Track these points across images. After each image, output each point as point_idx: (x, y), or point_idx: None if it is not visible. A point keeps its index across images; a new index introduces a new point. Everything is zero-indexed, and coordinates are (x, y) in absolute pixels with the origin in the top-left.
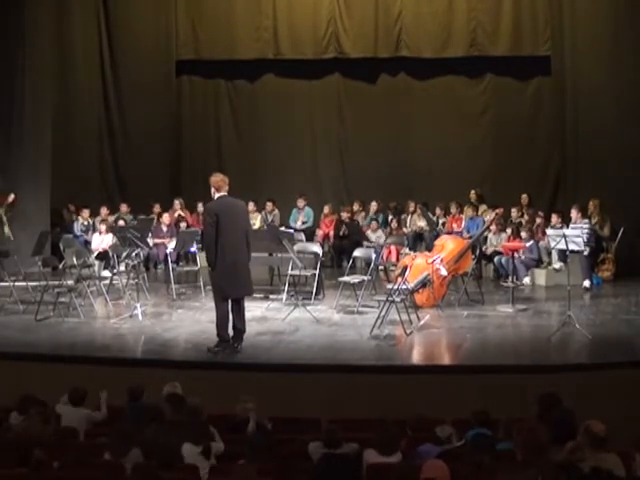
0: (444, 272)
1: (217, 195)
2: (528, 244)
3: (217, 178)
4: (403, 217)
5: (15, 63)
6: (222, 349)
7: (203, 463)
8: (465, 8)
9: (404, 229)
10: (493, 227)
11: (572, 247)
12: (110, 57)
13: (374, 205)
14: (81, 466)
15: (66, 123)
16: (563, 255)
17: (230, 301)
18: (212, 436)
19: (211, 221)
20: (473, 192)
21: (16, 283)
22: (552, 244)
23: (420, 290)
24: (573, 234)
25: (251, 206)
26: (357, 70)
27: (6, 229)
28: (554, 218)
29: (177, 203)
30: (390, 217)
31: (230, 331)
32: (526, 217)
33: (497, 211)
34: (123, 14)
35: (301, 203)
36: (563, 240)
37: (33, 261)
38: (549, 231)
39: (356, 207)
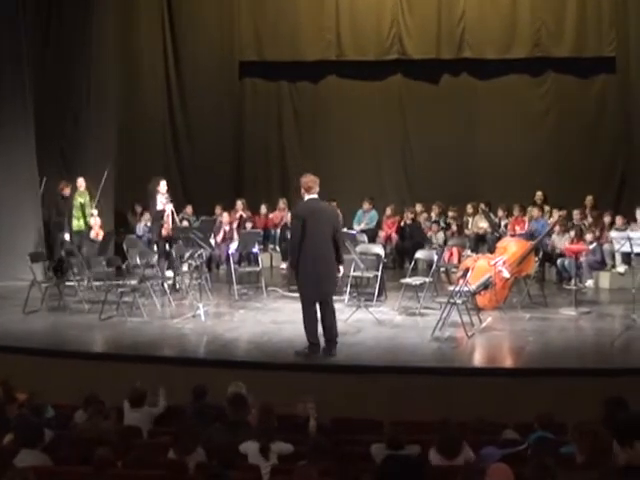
0: (506, 274)
1: (307, 197)
2: (591, 246)
3: (307, 179)
4: (465, 219)
5: (80, 65)
6: (311, 352)
7: (264, 463)
8: (529, 8)
9: (466, 231)
10: (557, 228)
11: (637, 250)
12: (174, 59)
13: (435, 208)
14: (144, 465)
15: (130, 124)
16: (627, 258)
17: (319, 306)
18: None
19: (297, 224)
20: (540, 193)
21: (81, 283)
22: (616, 246)
23: (482, 292)
24: (638, 237)
25: None
26: (419, 71)
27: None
28: (619, 220)
29: (239, 203)
30: (450, 222)
31: (321, 337)
32: (590, 219)
33: (560, 213)
34: (187, 15)
35: (366, 206)
36: (628, 243)
37: (98, 261)
38: (613, 233)
39: (419, 208)
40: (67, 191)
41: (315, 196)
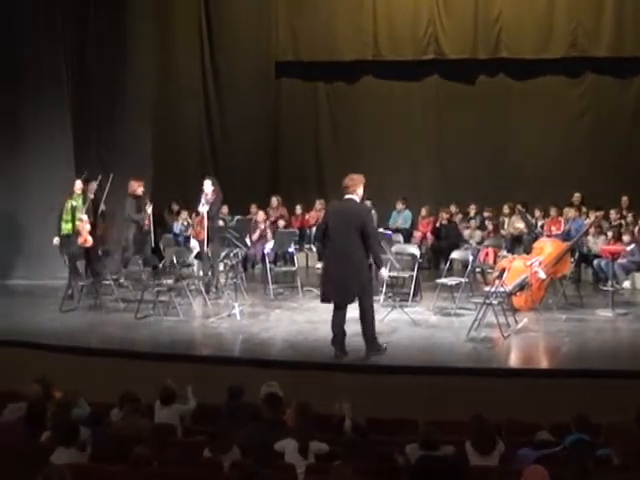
0: (542, 275)
1: (345, 197)
2: (629, 247)
3: (345, 179)
4: (501, 220)
5: (117, 68)
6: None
7: (300, 462)
8: (566, 8)
9: (502, 231)
10: (592, 230)
11: None
12: (211, 59)
13: (473, 208)
14: (180, 463)
15: (167, 126)
16: None
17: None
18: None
19: (320, 223)
20: (578, 194)
21: (118, 281)
22: None
23: (518, 293)
24: None
25: None
26: (455, 71)
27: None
28: None
29: (274, 200)
30: (486, 222)
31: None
32: (630, 218)
33: (597, 214)
34: (224, 15)
35: (399, 206)
36: None
37: (134, 260)
38: None
39: (453, 209)
40: (140, 190)
41: (350, 196)
